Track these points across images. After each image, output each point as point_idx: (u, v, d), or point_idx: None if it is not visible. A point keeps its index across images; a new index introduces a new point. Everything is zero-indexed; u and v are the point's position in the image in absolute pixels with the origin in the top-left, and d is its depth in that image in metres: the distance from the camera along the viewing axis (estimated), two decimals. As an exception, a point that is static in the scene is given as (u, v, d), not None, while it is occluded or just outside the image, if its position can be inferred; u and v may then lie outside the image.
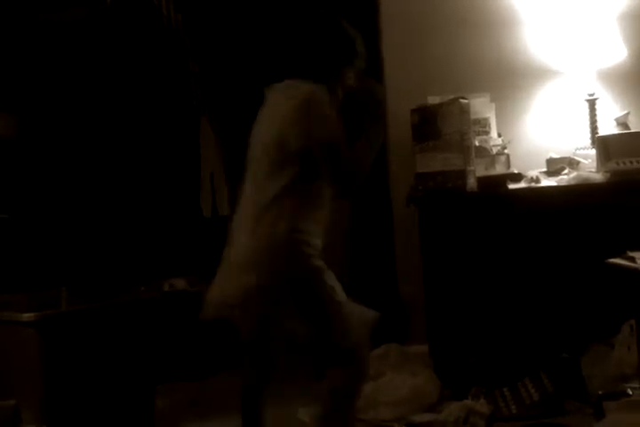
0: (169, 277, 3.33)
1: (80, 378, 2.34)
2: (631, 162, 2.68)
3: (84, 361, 2.35)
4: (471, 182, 2.71)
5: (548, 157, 2.96)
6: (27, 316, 2.27)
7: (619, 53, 2.98)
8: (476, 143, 2.88)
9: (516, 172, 2.87)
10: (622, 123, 2.93)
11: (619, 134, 2.86)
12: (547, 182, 2.82)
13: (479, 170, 2.80)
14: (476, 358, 2.66)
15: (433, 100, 2.92)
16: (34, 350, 2.25)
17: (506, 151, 2.98)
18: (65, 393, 2.30)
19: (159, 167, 3.70)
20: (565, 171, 2.86)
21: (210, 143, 3.75)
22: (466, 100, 2.75)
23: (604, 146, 2.76)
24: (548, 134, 3.13)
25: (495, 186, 2.75)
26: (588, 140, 3.01)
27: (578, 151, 3.00)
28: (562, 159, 2.92)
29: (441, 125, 2.71)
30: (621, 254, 2.16)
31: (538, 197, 2.74)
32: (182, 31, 3.77)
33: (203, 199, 3.74)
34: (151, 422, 2.54)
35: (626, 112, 2.97)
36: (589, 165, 2.88)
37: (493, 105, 3.06)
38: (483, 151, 2.90)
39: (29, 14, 3.59)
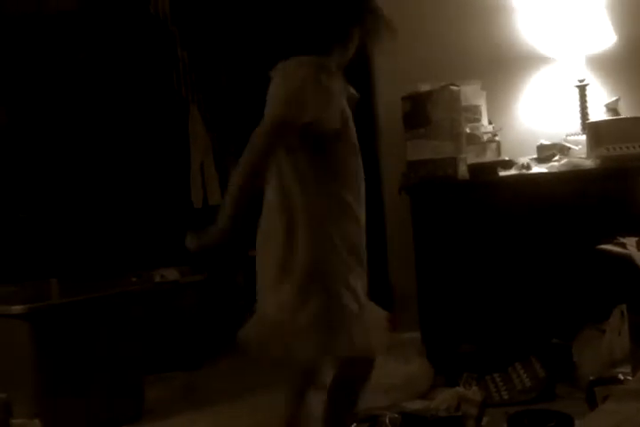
0: (160, 268, 3.32)
1: (71, 370, 2.33)
2: (621, 148, 2.68)
3: (75, 353, 2.35)
4: (462, 170, 2.70)
5: (539, 143, 2.95)
6: (17, 308, 2.26)
7: (608, 39, 2.97)
8: (467, 130, 2.87)
9: (506, 159, 2.86)
10: (612, 109, 2.92)
11: (609, 120, 2.85)
12: (537, 169, 2.81)
13: (470, 157, 2.79)
14: (468, 345, 2.67)
15: (424, 87, 2.91)
16: (24, 342, 2.24)
17: (497, 138, 2.98)
18: (56, 385, 2.29)
19: (149, 157, 3.68)
20: (556, 157, 2.86)
21: (200, 132, 3.71)
22: (457, 88, 2.73)
23: (595, 132, 2.76)
24: (538, 121, 3.12)
25: (486, 173, 2.75)
26: (578, 127, 3.00)
27: (568, 137, 2.99)
28: (552, 146, 2.92)
29: (432, 113, 2.69)
30: (612, 240, 2.17)
31: (529, 183, 2.74)
32: (170, 18, 3.73)
33: (193, 189, 3.71)
34: (140, 412, 2.54)
35: (616, 98, 2.96)
36: (580, 152, 2.87)
37: (484, 92, 3.04)
38: (474, 138, 2.90)
39: (16, 5, 3.54)
